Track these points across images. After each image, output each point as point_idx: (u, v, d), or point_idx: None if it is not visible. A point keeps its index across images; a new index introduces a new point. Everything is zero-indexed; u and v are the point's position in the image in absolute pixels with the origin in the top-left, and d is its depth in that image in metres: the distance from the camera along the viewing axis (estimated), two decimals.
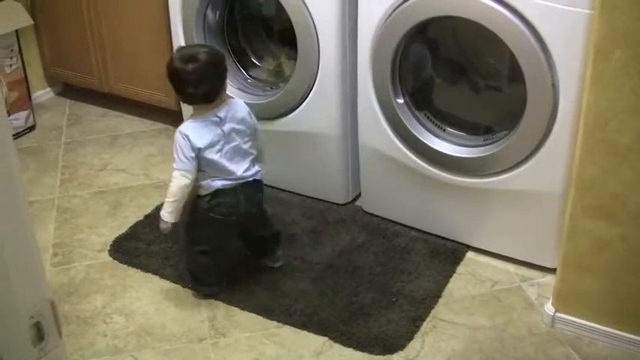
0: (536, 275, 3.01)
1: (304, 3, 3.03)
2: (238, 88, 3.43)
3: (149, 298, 2.97)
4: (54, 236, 3.37)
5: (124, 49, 4.12)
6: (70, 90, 4.68)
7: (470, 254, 3.13)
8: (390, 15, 2.86)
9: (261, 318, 2.83)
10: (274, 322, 2.80)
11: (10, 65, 4.13)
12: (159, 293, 2.99)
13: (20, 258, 1.02)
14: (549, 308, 2.75)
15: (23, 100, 4.25)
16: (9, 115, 4.15)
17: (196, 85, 2.65)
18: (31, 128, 4.32)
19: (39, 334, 1.06)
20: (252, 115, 2.82)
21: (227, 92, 2.83)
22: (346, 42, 3.08)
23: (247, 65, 3.55)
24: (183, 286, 3.00)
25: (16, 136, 4.21)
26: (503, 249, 3.08)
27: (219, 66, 2.72)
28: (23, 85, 4.23)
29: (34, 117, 4.34)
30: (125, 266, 3.14)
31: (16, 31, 4.13)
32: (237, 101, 2.81)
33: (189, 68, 2.64)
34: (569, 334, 2.72)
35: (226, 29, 3.51)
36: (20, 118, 4.24)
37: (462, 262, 3.09)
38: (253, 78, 3.52)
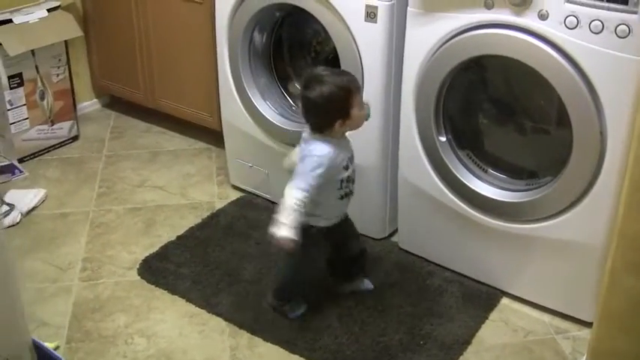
0: (572, 328, 2.90)
1: (351, 33, 2.98)
2: (281, 114, 3.40)
3: (173, 322, 2.92)
4: (85, 250, 3.35)
5: (171, 66, 4.11)
6: (116, 103, 4.71)
7: (504, 300, 3.04)
8: (437, 50, 2.79)
9: (284, 350, 2.77)
10: (297, 356, 2.73)
11: (57, 75, 4.16)
12: (183, 317, 2.94)
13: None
14: None
15: (68, 110, 4.27)
16: (52, 125, 4.17)
17: (302, 109, 2.68)
18: (74, 138, 4.34)
19: None
20: (304, 157, 2.62)
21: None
22: (391, 74, 3.02)
23: (292, 91, 3.50)
24: (209, 312, 2.94)
25: (60, 145, 4.24)
26: (539, 298, 2.98)
27: (321, 106, 2.58)
28: (69, 95, 4.26)
29: (78, 127, 4.36)
30: (152, 286, 3.10)
31: (65, 41, 4.15)
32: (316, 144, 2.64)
33: (300, 92, 2.67)
34: None
35: (272, 53, 3.47)
36: (64, 127, 4.26)
37: (495, 309, 2.99)
38: (297, 105, 3.47)
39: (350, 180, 2.73)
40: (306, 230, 2.63)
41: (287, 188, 2.59)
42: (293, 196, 2.54)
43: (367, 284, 3.06)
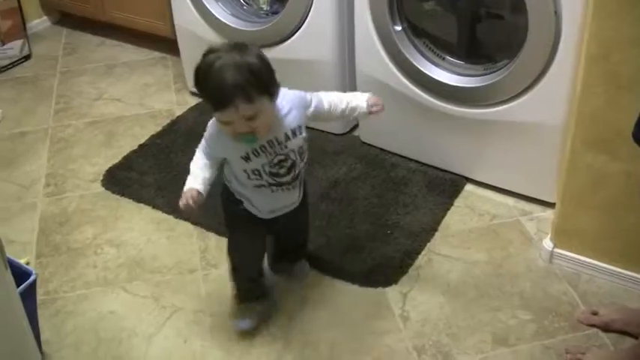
0: (536, 209, 2.94)
1: None
2: (233, 15, 3.35)
3: (141, 229, 2.92)
4: (47, 166, 3.32)
5: None
6: (67, 19, 4.63)
7: (469, 187, 3.07)
8: None
9: None
10: (266, 254, 2.74)
11: None
12: (150, 224, 2.94)
13: None
14: (547, 243, 2.69)
15: (17, 29, 4.19)
16: (3, 45, 4.09)
17: None
18: (27, 57, 4.27)
19: None
20: None
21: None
22: None
23: None
24: (176, 217, 2.94)
25: (11, 65, 4.18)
26: (503, 182, 3.01)
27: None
28: (17, 13, 4.17)
29: (29, 46, 4.28)
30: (117, 196, 3.09)
31: None
32: None
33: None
34: (568, 270, 2.66)
35: None
36: (15, 47, 4.18)
37: (460, 195, 3.02)
38: (248, 4, 3.42)
39: (267, 173, 2.17)
40: (235, 207, 2.30)
41: None
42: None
43: (302, 269, 2.69)
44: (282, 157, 2.16)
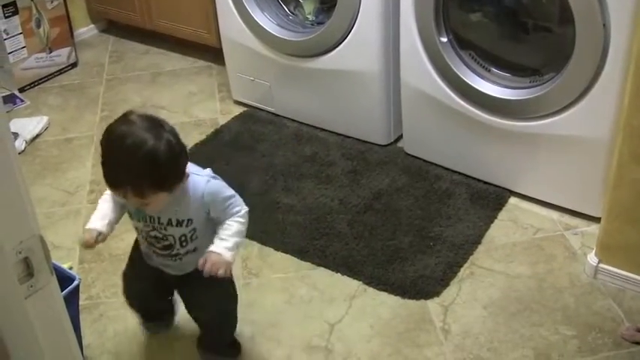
0: (581, 224, 2.91)
1: None
2: (279, 25, 3.36)
3: None
4: (91, 173, 3.35)
5: None
6: (113, 27, 4.67)
7: (513, 200, 3.04)
8: None
9: (295, 259, 2.79)
10: (308, 264, 2.75)
11: (52, 1, 4.10)
12: None
13: (2, 193, 0.98)
14: (592, 258, 2.65)
15: (65, 37, 4.24)
16: (50, 52, 4.14)
17: None
18: (74, 65, 4.31)
19: (28, 270, 1.02)
20: None
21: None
22: None
23: (289, 1, 3.46)
24: None
25: (59, 72, 4.22)
26: (547, 196, 2.98)
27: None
28: (65, 21, 4.23)
29: (76, 54, 4.33)
30: None
31: None
32: None
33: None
34: (612, 286, 2.62)
35: None
36: (62, 54, 4.23)
37: (504, 208, 3.00)
38: (294, 14, 3.43)
39: (150, 236, 2.14)
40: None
41: None
42: None
43: None
44: (159, 235, 2.11)
